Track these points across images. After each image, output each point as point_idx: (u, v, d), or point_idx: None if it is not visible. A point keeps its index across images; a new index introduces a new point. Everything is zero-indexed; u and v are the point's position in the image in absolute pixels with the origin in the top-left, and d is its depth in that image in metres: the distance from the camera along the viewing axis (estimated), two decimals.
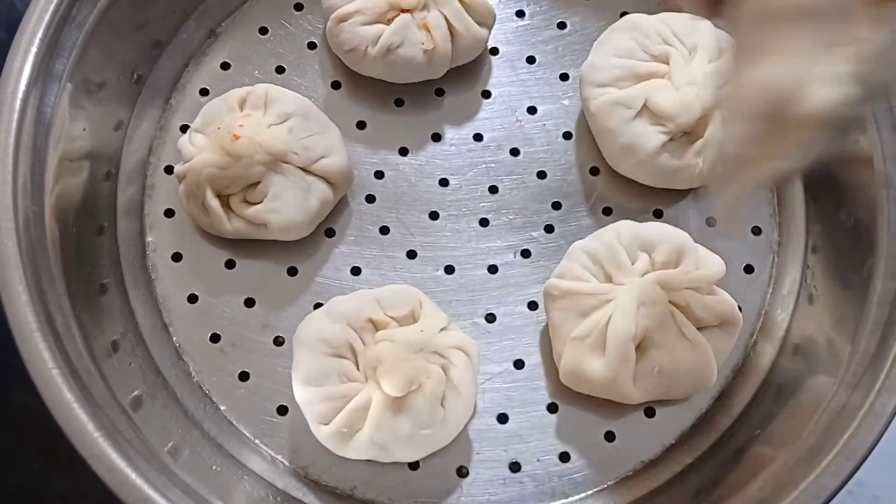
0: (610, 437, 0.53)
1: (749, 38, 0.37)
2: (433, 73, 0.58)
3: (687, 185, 0.56)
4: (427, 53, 0.56)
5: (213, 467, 0.51)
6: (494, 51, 0.61)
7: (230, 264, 0.56)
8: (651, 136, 0.53)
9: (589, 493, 0.52)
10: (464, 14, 0.56)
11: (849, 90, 0.34)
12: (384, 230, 0.57)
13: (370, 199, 0.57)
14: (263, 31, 0.61)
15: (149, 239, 0.56)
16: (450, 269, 0.56)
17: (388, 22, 0.56)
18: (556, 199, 0.57)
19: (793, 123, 0.35)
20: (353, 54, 0.57)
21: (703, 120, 0.53)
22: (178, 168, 0.54)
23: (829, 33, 0.34)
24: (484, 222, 0.57)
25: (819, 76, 0.34)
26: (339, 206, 0.56)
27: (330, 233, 0.56)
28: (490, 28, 0.59)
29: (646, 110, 0.54)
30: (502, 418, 0.53)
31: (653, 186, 0.56)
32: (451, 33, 0.56)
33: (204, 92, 0.60)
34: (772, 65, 0.35)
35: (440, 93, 0.60)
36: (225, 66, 0.60)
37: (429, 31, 0.56)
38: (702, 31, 0.55)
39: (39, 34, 0.50)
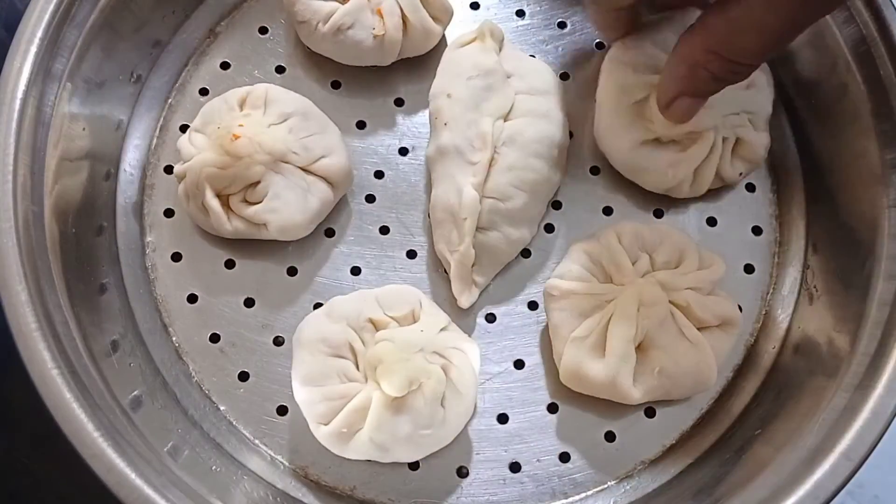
0: (610, 437, 0.53)
1: None
2: (381, 59, 0.58)
3: (651, 187, 0.56)
4: (377, 39, 0.56)
5: (213, 467, 0.51)
6: None
7: (230, 264, 0.56)
8: (635, 128, 0.54)
9: (589, 493, 0.52)
10: (419, 6, 0.57)
11: None
12: (384, 230, 0.57)
13: (370, 198, 0.57)
14: (263, 30, 0.61)
15: (148, 239, 0.56)
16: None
17: (344, 1, 0.56)
18: (556, 199, 0.57)
19: None
20: (304, 27, 0.57)
21: (694, 136, 0.53)
22: (177, 168, 0.53)
23: None
24: None
25: None
26: (339, 206, 0.56)
27: (330, 233, 0.56)
28: (445, 25, 0.59)
29: (645, 103, 0.53)
30: (502, 418, 0.53)
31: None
32: (404, 23, 0.57)
33: (204, 91, 0.59)
34: None
35: None
36: (225, 65, 0.60)
37: (381, 16, 0.56)
38: None
39: (39, 34, 0.50)
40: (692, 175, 0.54)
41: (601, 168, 0.58)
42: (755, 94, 0.54)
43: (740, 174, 0.55)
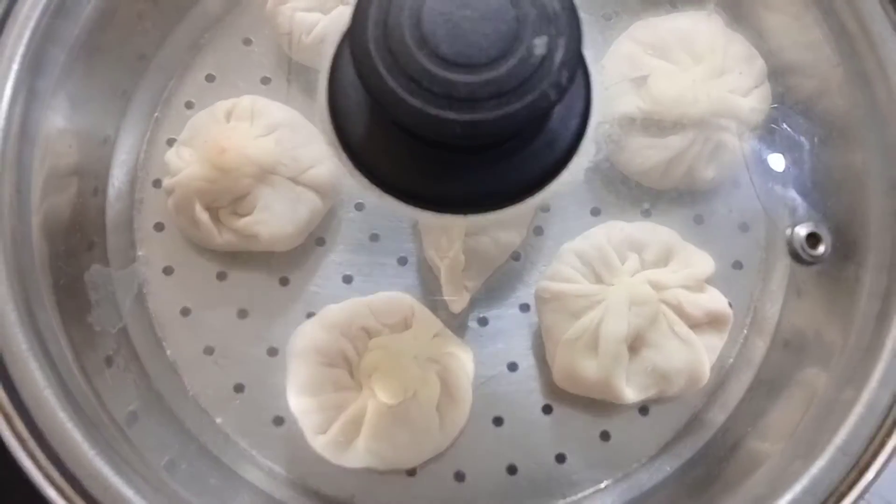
0: (605, 436, 0.53)
1: None
2: None
3: (621, 167, 0.56)
4: None
5: (211, 481, 0.50)
6: None
7: (221, 276, 0.55)
8: (625, 101, 0.54)
9: (586, 493, 0.52)
10: None
11: None
12: (374, 237, 0.57)
13: (359, 206, 0.57)
14: (247, 41, 0.61)
15: (139, 253, 0.56)
16: None
17: (327, 12, 0.56)
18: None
19: None
20: (287, 39, 0.57)
21: (677, 128, 0.53)
22: (166, 182, 0.53)
23: None
24: None
25: None
26: (329, 215, 0.56)
27: (320, 242, 0.56)
28: None
29: (644, 81, 0.54)
30: (497, 421, 0.53)
31: (641, 184, 0.57)
32: None
33: (189, 105, 0.59)
34: None
35: None
36: (210, 77, 0.60)
37: None
38: (746, 64, 0.55)
39: (21, 51, 0.49)
40: (664, 165, 0.55)
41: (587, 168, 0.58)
42: (749, 103, 0.54)
43: (712, 178, 0.55)
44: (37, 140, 0.50)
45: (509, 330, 0.55)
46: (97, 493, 0.42)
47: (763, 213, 0.57)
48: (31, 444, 0.43)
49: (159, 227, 0.57)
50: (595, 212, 0.57)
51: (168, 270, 0.56)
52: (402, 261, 0.56)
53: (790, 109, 0.57)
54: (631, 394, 0.50)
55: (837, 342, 0.49)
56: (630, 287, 0.50)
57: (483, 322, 0.55)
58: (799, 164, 0.56)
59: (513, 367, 0.54)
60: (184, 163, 0.52)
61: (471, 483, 0.52)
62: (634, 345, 0.50)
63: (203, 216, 0.52)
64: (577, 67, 0.33)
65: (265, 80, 0.60)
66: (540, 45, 0.32)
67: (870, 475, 0.43)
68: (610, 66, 0.55)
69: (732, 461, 0.50)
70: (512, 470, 0.52)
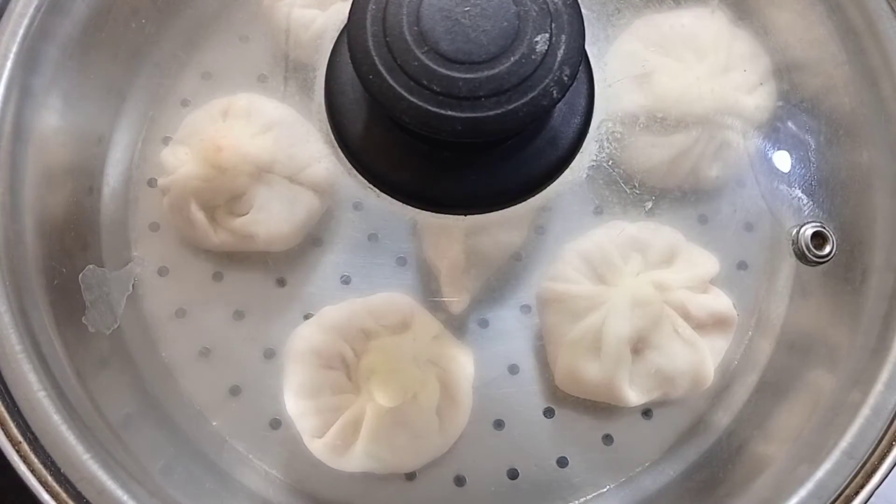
0: (608, 440, 0.52)
1: None
2: None
3: (624, 165, 0.54)
4: None
5: (207, 485, 0.50)
6: None
7: (217, 277, 0.55)
8: (629, 98, 0.53)
9: (588, 497, 0.52)
10: None
11: None
12: (373, 237, 0.56)
13: (357, 206, 0.57)
14: (244, 38, 0.60)
15: (134, 254, 0.55)
16: None
17: (326, 8, 0.55)
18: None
19: None
20: (284, 35, 0.56)
21: (681, 125, 0.53)
22: (161, 181, 0.53)
23: None
24: None
25: None
26: (327, 215, 0.56)
27: (318, 242, 0.56)
28: None
29: (647, 78, 0.53)
30: (498, 425, 0.52)
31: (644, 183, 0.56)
32: None
33: (185, 103, 0.58)
34: None
35: None
36: (206, 75, 0.59)
37: None
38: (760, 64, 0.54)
39: (14, 48, 0.49)
40: (668, 163, 0.54)
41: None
42: (754, 101, 0.53)
43: (716, 177, 0.55)
44: (30, 139, 0.50)
45: (510, 331, 0.54)
46: (91, 497, 0.42)
47: (768, 213, 0.57)
48: (25, 447, 0.42)
49: (154, 226, 0.56)
50: (597, 211, 0.57)
51: (163, 271, 0.55)
52: (401, 261, 0.55)
53: (795, 107, 0.56)
54: (634, 396, 0.50)
55: (844, 344, 0.49)
56: (633, 288, 0.50)
57: (483, 323, 0.54)
58: (804, 163, 0.56)
59: (514, 369, 0.54)
60: (179, 162, 0.52)
61: (471, 487, 0.51)
62: (637, 347, 0.50)
63: (199, 216, 0.51)
64: (580, 65, 0.33)
65: (262, 78, 0.59)
66: (541, 42, 0.31)
67: (876, 479, 0.43)
68: (613, 63, 0.55)
69: (737, 465, 0.50)
70: (513, 474, 0.52)
